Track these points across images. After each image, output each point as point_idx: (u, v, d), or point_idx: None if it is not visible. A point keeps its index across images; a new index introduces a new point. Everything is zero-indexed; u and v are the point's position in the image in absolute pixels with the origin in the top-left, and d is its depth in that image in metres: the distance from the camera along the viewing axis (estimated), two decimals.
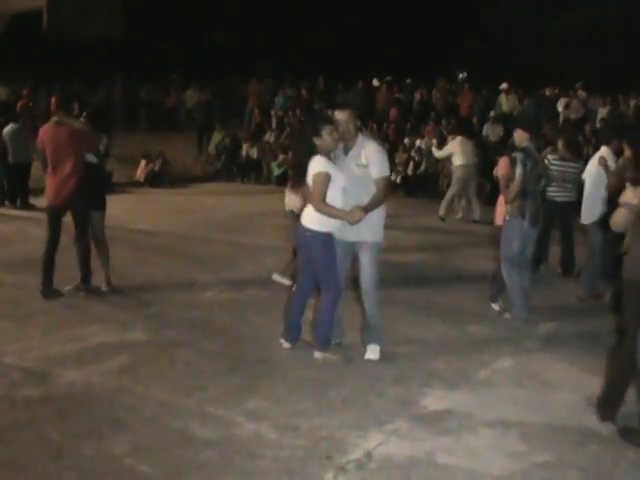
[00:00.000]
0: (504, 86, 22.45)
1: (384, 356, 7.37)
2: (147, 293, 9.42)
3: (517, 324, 8.56)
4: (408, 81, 26.18)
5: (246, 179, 20.04)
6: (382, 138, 19.07)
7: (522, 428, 5.99)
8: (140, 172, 19.02)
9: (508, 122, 20.43)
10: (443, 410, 6.32)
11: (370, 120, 21.82)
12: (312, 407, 6.28)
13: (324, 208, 7.04)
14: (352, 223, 7.06)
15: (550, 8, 31.65)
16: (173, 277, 10.13)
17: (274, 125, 22.24)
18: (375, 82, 26.03)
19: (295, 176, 7.68)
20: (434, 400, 6.50)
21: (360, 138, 7.44)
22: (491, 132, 19.75)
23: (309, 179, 7.11)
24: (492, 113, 20.80)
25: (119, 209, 14.76)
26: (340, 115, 7.36)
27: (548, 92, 23.11)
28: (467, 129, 17.53)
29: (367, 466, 5.37)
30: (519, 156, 8.38)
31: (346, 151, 7.37)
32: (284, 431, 5.85)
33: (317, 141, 7.09)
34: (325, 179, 7.01)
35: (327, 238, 7.18)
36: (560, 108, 21.39)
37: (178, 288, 9.73)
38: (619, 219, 6.02)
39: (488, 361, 7.42)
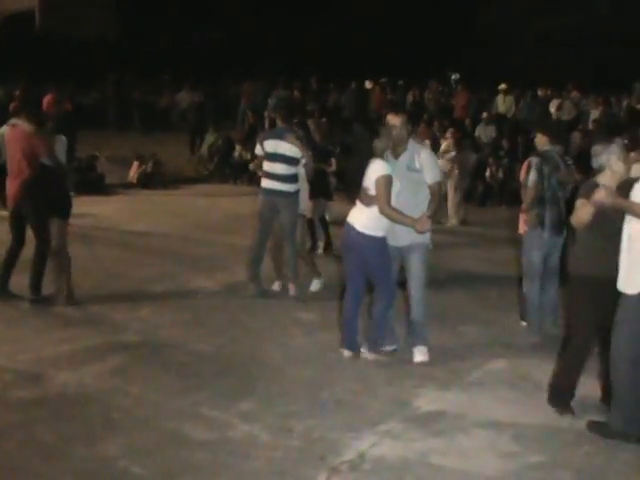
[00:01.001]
0: (502, 86, 22.45)
1: (377, 357, 7.38)
2: (140, 294, 9.40)
3: (509, 325, 8.57)
4: (401, 82, 26.19)
5: (239, 180, 19.99)
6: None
7: (515, 429, 6.00)
8: (133, 173, 18.97)
9: (501, 123, 20.47)
10: (436, 411, 6.34)
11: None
12: (305, 408, 6.29)
13: (391, 212, 7.00)
14: (420, 231, 7.05)
15: (542, 9, 31.71)
16: (166, 278, 10.12)
17: (267, 126, 22.18)
18: (368, 84, 26.04)
19: (352, 183, 7.46)
20: (427, 401, 6.51)
21: (411, 143, 7.43)
22: (483, 133, 19.75)
23: (370, 182, 7.05)
24: (485, 114, 20.79)
25: (112, 210, 14.78)
26: (394, 120, 7.37)
27: (541, 93, 23.13)
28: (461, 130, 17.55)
29: (360, 467, 5.38)
30: (534, 161, 8.11)
31: (396, 155, 7.33)
32: (277, 432, 5.86)
33: (377, 143, 7.13)
34: (389, 182, 6.99)
35: (383, 243, 7.22)
36: (553, 109, 21.43)
37: (171, 289, 9.72)
38: (584, 217, 5.95)
39: (481, 362, 7.43)
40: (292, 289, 9.49)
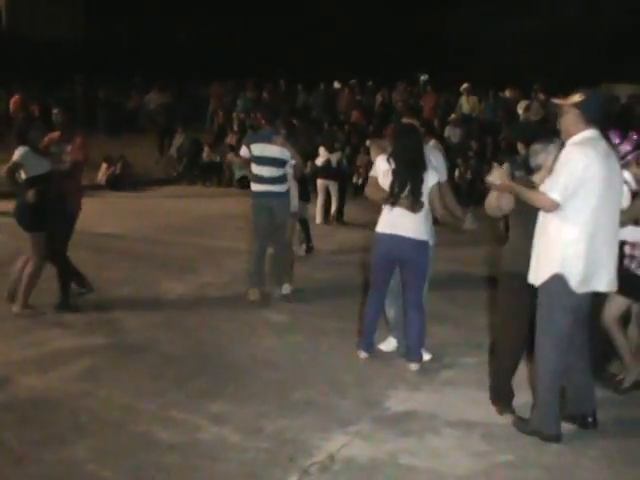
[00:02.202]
0: (465, 86, 22.51)
1: (347, 358, 7.38)
2: (109, 297, 9.35)
3: (479, 324, 8.61)
4: (370, 83, 26.22)
5: (208, 182, 19.97)
6: (344, 140, 19.05)
7: (485, 428, 6.03)
8: (101, 175, 18.89)
9: (469, 124, 20.56)
10: (406, 411, 6.35)
11: (332, 123, 21.82)
12: (275, 410, 6.29)
13: (448, 215, 7.39)
14: (466, 229, 7.58)
15: (511, 10, 31.85)
16: (135, 281, 10.07)
17: (236, 127, 22.16)
18: (337, 84, 26.06)
19: (417, 191, 7.13)
20: (397, 401, 6.52)
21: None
22: (452, 134, 19.83)
23: (433, 187, 7.14)
24: (453, 115, 20.87)
25: (80, 213, 14.64)
26: (413, 122, 7.50)
27: (508, 94, 23.23)
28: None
29: (331, 468, 5.38)
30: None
31: None
32: (247, 434, 5.85)
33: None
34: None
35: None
36: (520, 110, 21.53)
37: (140, 292, 9.67)
38: (489, 201, 6.18)
39: (451, 362, 7.47)
40: (286, 288, 9.55)
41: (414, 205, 7.04)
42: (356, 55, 31.11)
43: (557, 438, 5.75)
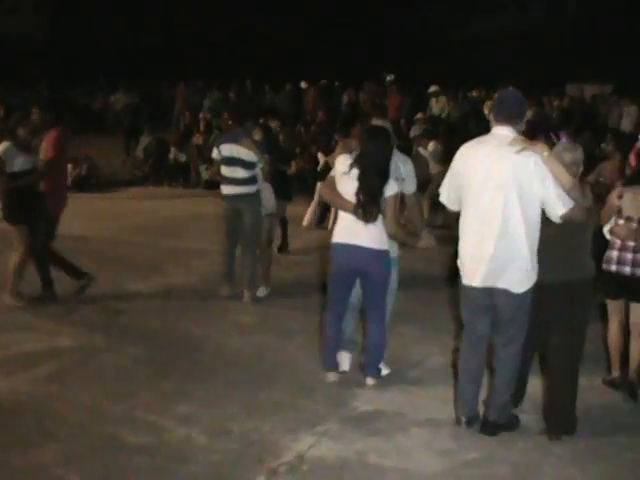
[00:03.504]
0: (433, 89, 22.55)
1: (314, 359, 7.38)
2: (75, 299, 9.28)
3: (445, 323, 8.64)
4: (336, 84, 26.25)
5: (174, 183, 19.88)
6: (310, 140, 19.03)
7: (452, 427, 6.06)
8: (67, 176, 18.76)
9: (436, 124, 20.60)
10: (374, 411, 6.37)
11: (298, 123, 21.82)
12: (243, 411, 6.28)
13: (400, 232, 6.70)
14: (424, 247, 6.92)
15: (477, 10, 32.05)
16: (102, 282, 9.99)
17: (202, 128, 22.08)
18: (303, 84, 26.06)
19: (372, 200, 6.51)
20: (365, 401, 6.53)
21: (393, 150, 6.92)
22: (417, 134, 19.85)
23: (389, 198, 6.51)
24: (419, 115, 20.91)
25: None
26: (380, 123, 6.99)
27: (475, 94, 23.36)
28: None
29: (299, 469, 5.39)
30: None
31: None
32: (215, 435, 5.84)
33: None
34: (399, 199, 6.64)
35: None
36: (486, 110, 21.65)
37: (107, 293, 9.61)
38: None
39: (418, 361, 7.49)
40: (247, 295, 9.35)
41: (366, 215, 6.47)
42: (323, 55, 31.13)
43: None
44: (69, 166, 18.73)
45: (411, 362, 7.46)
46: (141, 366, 7.25)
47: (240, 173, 9.20)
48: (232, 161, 9.20)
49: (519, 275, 5.67)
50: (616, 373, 6.87)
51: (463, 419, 5.98)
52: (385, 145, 6.58)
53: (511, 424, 5.99)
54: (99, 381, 6.87)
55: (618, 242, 6.60)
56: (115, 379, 6.92)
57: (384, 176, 6.48)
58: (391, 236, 6.62)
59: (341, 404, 6.48)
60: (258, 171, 9.34)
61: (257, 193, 9.40)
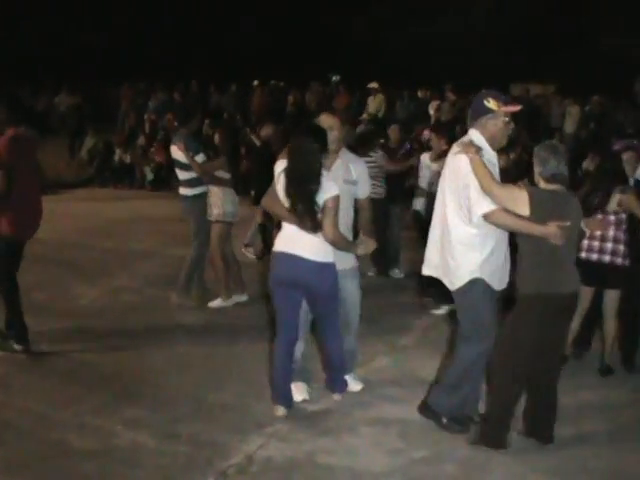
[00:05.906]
0: (373, 85, 22.48)
1: (261, 359, 7.36)
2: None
3: (392, 323, 8.69)
4: (281, 84, 26.24)
5: (119, 184, 19.76)
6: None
7: (401, 426, 6.10)
8: None
9: (381, 124, 20.66)
10: (322, 410, 6.39)
11: (244, 124, 21.78)
12: (191, 413, 6.27)
13: (341, 239, 6.03)
14: (361, 255, 6.35)
15: (423, 12, 32.19)
16: (46, 285, 9.90)
17: (147, 129, 21.96)
18: (255, 82, 25.94)
19: (303, 208, 5.84)
20: (313, 401, 6.55)
21: (343, 150, 6.49)
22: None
23: (326, 203, 5.82)
24: (365, 115, 20.98)
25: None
26: (329, 121, 6.29)
27: (420, 94, 23.47)
28: None
29: (248, 470, 5.40)
30: None
31: (327, 166, 6.17)
32: (164, 438, 5.82)
33: (323, 158, 5.93)
34: (339, 203, 5.92)
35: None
36: (432, 111, 21.80)
37: (52, 296, 9.52)
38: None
39: (365, 360, 7.46)
40: (174, 297, 9.26)
41: (306, 225, 5.87)
42: (268, 56, 31.09)
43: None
44: None
45: (358, 361, 7.43)
46: (87, 370, 7.19)
47: (180, 175, 9.25)
48: (174, 162, 9.29)
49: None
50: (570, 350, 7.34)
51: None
52: (309, 147, 5.83)
53: (450, 424, 6.00)
54: (46, 386, 6.79)
55: (598, 232, 6.97)
56: (61, 384, 6.85)
57: (311, 181, 5.80)
58: (331, 244, 5.96)
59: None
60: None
61: (198, 196, 9.16)
